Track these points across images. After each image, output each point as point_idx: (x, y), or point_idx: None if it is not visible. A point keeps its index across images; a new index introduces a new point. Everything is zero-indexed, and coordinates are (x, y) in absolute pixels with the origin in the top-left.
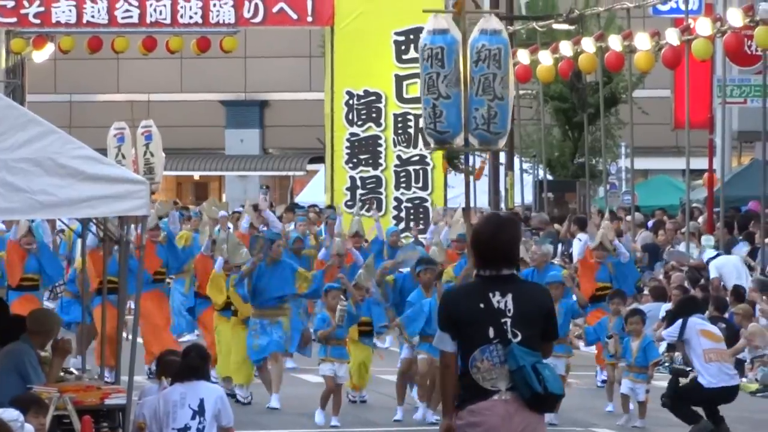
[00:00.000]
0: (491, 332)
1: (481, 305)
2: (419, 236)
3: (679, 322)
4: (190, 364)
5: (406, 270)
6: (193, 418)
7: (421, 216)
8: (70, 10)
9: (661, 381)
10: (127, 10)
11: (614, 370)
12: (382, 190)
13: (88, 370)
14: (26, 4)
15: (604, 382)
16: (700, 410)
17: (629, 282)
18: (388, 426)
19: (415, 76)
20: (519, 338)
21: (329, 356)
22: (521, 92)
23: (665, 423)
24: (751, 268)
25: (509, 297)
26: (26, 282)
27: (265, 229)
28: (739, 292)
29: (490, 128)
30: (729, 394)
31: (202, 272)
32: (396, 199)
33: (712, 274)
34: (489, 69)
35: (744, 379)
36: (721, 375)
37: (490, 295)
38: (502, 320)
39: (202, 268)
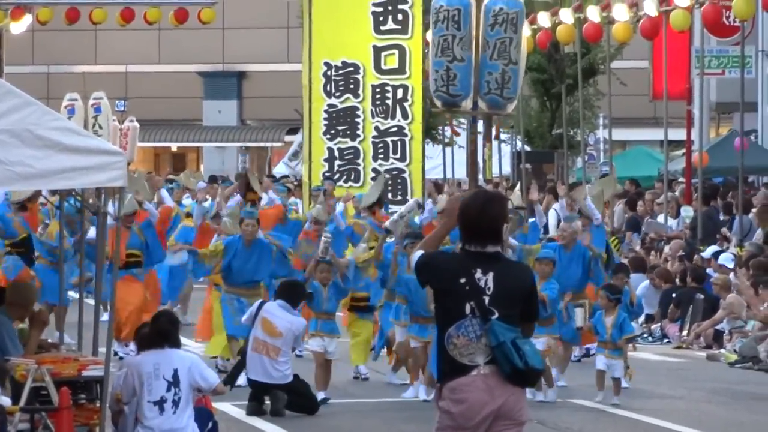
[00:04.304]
0: (467, 308)
1: (462, 280)
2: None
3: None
4: (160, 329)
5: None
6: (168, 389)
7: (399, 187)
8: None
9: (638, 353)
10: None
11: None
12: (360, 161)
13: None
14: None
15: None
16: None
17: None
18: (374, 398)
19: (393, 47)
20: (495, 316)
21: (319, 331)
22: None
23: (642, 395)
24: (726, 240)
25: (491, 275)
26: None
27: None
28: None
29: (503, 93)
30: None
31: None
32: (374, 170)
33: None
34: (506, 33)
35: (723, 350)
36: None
37: (473, 271)
38: (481, 297)
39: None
